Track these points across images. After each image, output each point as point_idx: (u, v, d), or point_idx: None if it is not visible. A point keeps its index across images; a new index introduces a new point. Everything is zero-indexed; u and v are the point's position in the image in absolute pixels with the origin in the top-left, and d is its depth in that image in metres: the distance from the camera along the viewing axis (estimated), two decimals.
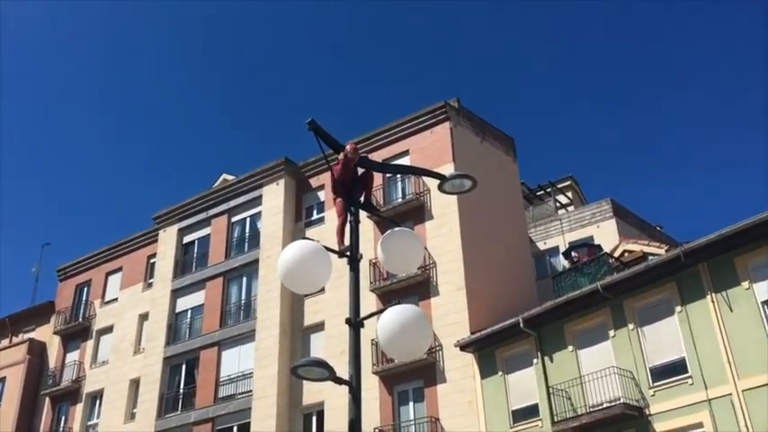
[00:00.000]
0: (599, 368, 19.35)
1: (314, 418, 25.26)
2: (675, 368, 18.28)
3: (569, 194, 35.53)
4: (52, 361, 34.17)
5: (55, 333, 34.65)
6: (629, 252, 23.64)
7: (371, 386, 23.14)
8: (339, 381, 5.45)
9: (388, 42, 76.88)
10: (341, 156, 6.44)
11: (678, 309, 18.60)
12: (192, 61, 78.19)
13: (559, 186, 35.45)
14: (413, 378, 23.26)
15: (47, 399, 33.20)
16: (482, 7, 73.30)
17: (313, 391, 24.81)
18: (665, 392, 18.19)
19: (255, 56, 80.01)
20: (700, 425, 17.29)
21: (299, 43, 78.75)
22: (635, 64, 69.79)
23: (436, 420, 22.18)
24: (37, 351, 34.70)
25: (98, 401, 31.83)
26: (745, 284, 17.61)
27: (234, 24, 78.40)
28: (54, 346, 34.55)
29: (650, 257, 21.04)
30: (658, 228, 32.83)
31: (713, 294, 18.06)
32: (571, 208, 34.18)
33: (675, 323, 18.60)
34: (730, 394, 17.02)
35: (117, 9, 76.15)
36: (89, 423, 31.66)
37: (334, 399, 23.62)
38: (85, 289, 35.41)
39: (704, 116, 67.99)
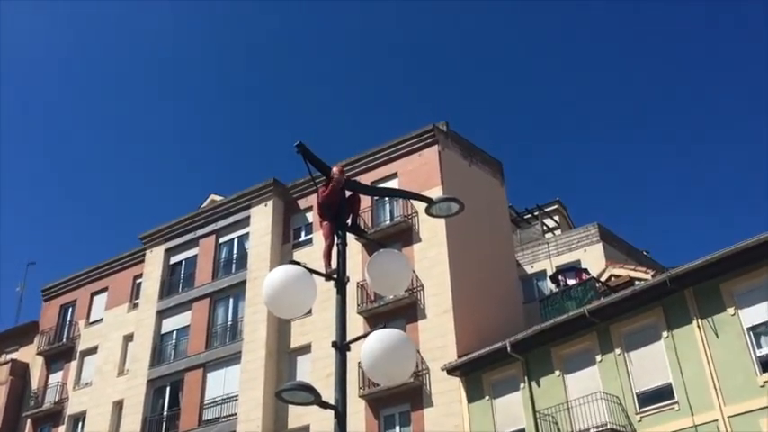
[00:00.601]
0: (586, 393, 19.32)
1: None
2: (662, 394, 18.30)
3: (556, 218, 35.71)
4: (35, 382, 33.70)
5: (38, 354, 34.23)
6: (616, 276, 23.73)
7: (358, 410, 22.96)
8: (325, 405, 5.41)
9: (377, 65, 77.44)
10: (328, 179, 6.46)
11: (665, 334, 18.65)
12: (180, 81, 78.35)
13: (547, 210, 35.63)
14: (399, 402, 23.12)
15: (28, 420, 32.66)
16: (471, 30, 74.08)
17: (299, 414, 24.60)
18: (652, 418, 18.17)
19: (244, 77, 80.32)
20: None
21: (288, 64, 79.16)
22: (623, 89, 70.62)
23: None
24: (19, 372, 34.21)
25: (81, 424, 31.34)
26: (731, 310, 17.71)
27: (223, 46, 78.77)
28: (37, 366, 34.11)
29: (637, 282, 21.11)
30: (645, 253, 32.98)
31: (699, 320, 18.14)
32: (558, 232, 34.31)
33: (662, 348, 18.64)
34: (716, 420, 17.03)
35: (108, 25, 76.39)
36: None
37: (320, 422, 23.39)
38: (70, 309, 35.06)
39: (693, 142, 68.75)
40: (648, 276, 22.03)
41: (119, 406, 30.04)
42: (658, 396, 18.34)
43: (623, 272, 23.99)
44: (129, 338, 31.61)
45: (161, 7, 75.19)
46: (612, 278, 23.72)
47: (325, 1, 72.02)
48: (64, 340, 33.73)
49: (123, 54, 76.90)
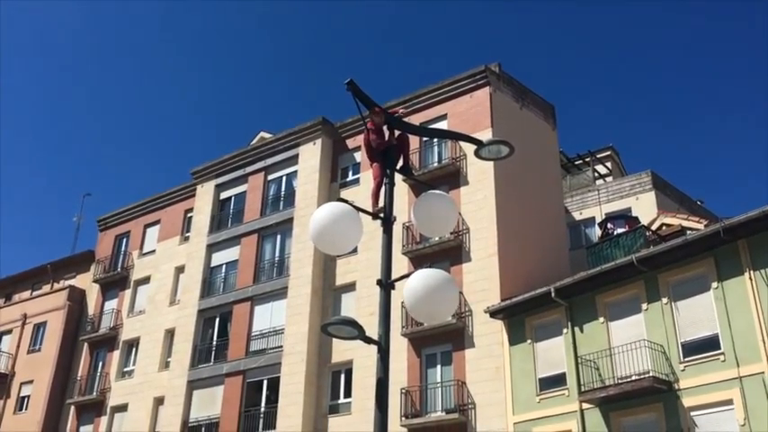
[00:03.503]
0: (629, 341, 19.23)
1: (342, 376, 25.66)
2: (708, 344, 18.08)
3: (608, 165, 34.96)
4: (91, 308, 35.15)
5: (94, 281, 35.62)
6: (668, 225, 23.24)
7: (400, 348, 23.37)
8: (368, 340, 5.50)
9: (429, 4, 75.74)
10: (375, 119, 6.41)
11: (714, 285, 18.31)
12: (232, 18, 78.10)
13: (599, 156, 34.88)
14: (441, 342, 23.41)
15: (85, 344, 34.23)
16: None
17: (342, 350, 25.16)
18: (696, 368, 18.03)
19: (295, 14, 79.59)
20: (729, 402, 17.13)
21: (340, 3, 78.00)
22: (680, 33, 67.80)
23: (463, 384, 22.36)
24: (77, 298, 35.72)
25: (134, 349, 32.71)
26: None
27: None
28: (93, 293, 35.52)
29: (689, 232, 20.65)
30: (699, 202, 32.18)
31: (751, 272, 17.72)
32: (610, 179, 33.65)
33: (710, 299, 18.33)
34: (763, 372, 16.81)
35: None
36: (125, 369, 32.62)
37: (362, 358, 23.94)
38: (124, 240, 36.19)
39: (751, 86, 65.97)
40: (701, 226, 21.54)
41: (170, 334, 31.19)
42: (704, 346, 18.13)
43: (675, 221, 23.48)
44: (180, 270, 32.54)
45: None
46: (664, 227, 23.25)
47: None
48: (118, 269, 34.94)
49: None
